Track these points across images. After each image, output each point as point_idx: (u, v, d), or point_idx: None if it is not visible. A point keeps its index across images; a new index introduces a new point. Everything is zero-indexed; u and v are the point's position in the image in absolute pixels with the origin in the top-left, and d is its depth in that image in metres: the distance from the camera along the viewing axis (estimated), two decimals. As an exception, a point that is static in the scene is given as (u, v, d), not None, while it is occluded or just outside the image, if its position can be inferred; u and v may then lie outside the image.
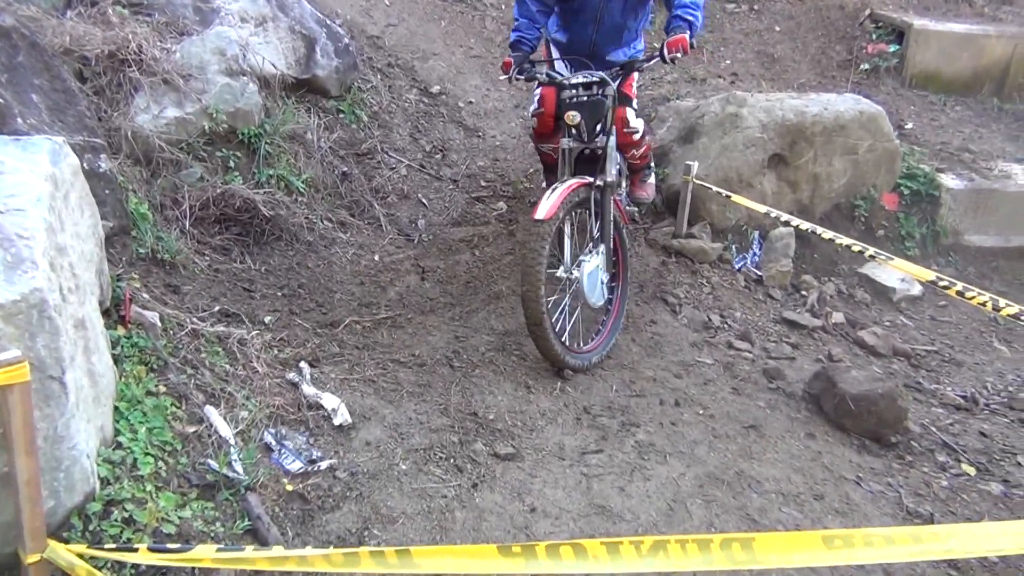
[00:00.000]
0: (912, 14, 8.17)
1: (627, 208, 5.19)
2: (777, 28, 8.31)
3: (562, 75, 4.33)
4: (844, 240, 4.52)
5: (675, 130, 6.19)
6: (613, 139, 4.23)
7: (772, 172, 5.98)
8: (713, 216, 5.84)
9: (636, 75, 4.72)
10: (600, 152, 4.22)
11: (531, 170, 6.18)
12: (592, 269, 4.17)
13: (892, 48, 7.81)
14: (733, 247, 5.82)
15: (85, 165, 3.18)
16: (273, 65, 4.95)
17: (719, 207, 5.80)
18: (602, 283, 4.25)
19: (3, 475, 2.19)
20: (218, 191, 4.38)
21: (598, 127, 4.20)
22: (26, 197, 2.37)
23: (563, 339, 4.10)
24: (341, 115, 5.58)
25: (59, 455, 2.35)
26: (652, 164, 5.32)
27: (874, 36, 8.02)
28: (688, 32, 4.14)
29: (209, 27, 4.78)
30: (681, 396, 4.16)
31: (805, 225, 4.84)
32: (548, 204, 3.89)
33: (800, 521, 3.39)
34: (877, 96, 7.19)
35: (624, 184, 5.09)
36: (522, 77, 4.34)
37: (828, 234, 4.64)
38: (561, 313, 4.21)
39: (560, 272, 4.15)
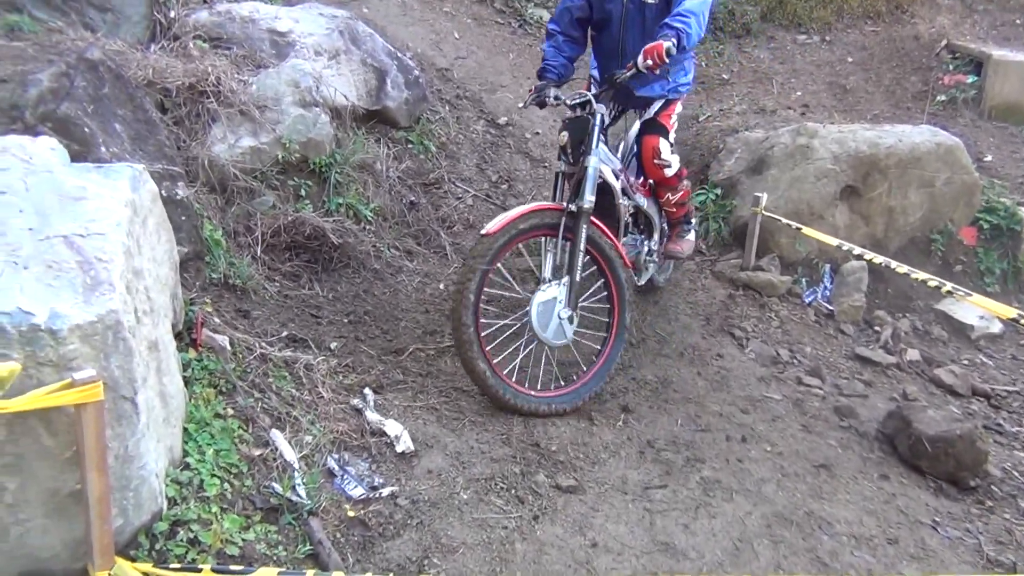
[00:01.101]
0: (991, 44, 7.98)
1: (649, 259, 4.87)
2: (850, 59, 8.19)
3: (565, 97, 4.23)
4: (920, 275, 4.39)
5: (744, 161, 6.12)
6: (594, 160, 3.95)
7: (844, 204, 5.86)
8: (782, 249, 5.74)
9: (678, 106, 4.54)
10: (583, 172, 3.97)
11: (597, 201, 6.17)
12: (545, 300, 3.87)
13: (970, 79, 7.63)
14: (803, 280, 5.71)
15: (163, 192, 3.28)
16: (345, 97, 5.05)
17: (788, 239, 5.70)
18: (561, 320, 3.91)
19: (75, 492, 2.24)
20: (289, 219, 4.47)
21: (581, 147, 4.02)
22: (106, 222, 2.44)
23: (499, 371, 3.83)
24: (410, 145, 5.66)
25: (129, 474, 2.40)
26: (693, 218, 5.05)
27: (951, 67, 7.85)
28: (673, 40, 3.78)
29: (284, 60, 4.91)
30: (748, 432, 4.07)
31: (879, 259, 4.71)
32: (499, 220, 3.77)
33: (873, 566, 3.26)
34: (954, 128, 7.00)
35: (656, 237, 4.82)
36: (534, 103, 4.29)
37: (903, 268, 4.51)
38: (518, 347, 3.99)
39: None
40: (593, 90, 4.56)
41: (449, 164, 5.89)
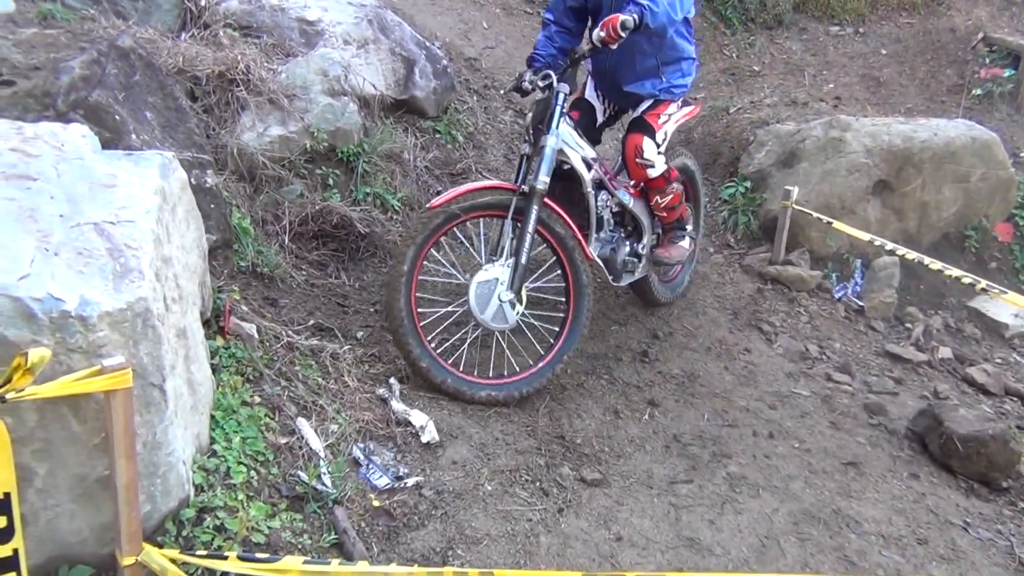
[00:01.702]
0: (1030, 37, 7.82)
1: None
2: (883, 51, 8.06)
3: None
4: (954, 271, 4.32)
5: (774, 154, 6.04)
6: (552, 140, 3.81)
7: (877, 199, 5.78)
8: (813, 243, 5.67)
9: (671, 107, 4.30)
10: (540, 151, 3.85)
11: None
12: (485, 280, 3.75)
13: (1007, 73, 7.48)
14: (833, 275, 5.64)
15: (192, 180, 3.29)
16: (373, 86, 5.04)
17: (819, 234, 5.63)
18: (502, 302, 3.76)
19: (104, 478, 2.26)
20: (317, 208, 4.47)
21: (541, 126, 3.90)
22: (136, 209, 2.45)
23: (435, 351, 3.81)
24: (437, 135, 5.65)
25: (157, 461, 2.41)
26: (688, 224, 4.74)
27: (987, 60, 7.70)
28: (635, 15, 3.59)
29: (314, 49, 4.91)
30: (776, 428, 4.02)
31: (912, 255, 4.65)
32: (445, 195, 3.71)
33: (902, 566, 3.22)
34: (990, 122, 6.88)
35: (644, 239, 4.59)
36: (513, 90, 4.22)
37: (936, 265, 4.44)
38: (458, 329, 3.95)
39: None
40: (590, 82, 4.52)
41: (476, 154, 5.87)
